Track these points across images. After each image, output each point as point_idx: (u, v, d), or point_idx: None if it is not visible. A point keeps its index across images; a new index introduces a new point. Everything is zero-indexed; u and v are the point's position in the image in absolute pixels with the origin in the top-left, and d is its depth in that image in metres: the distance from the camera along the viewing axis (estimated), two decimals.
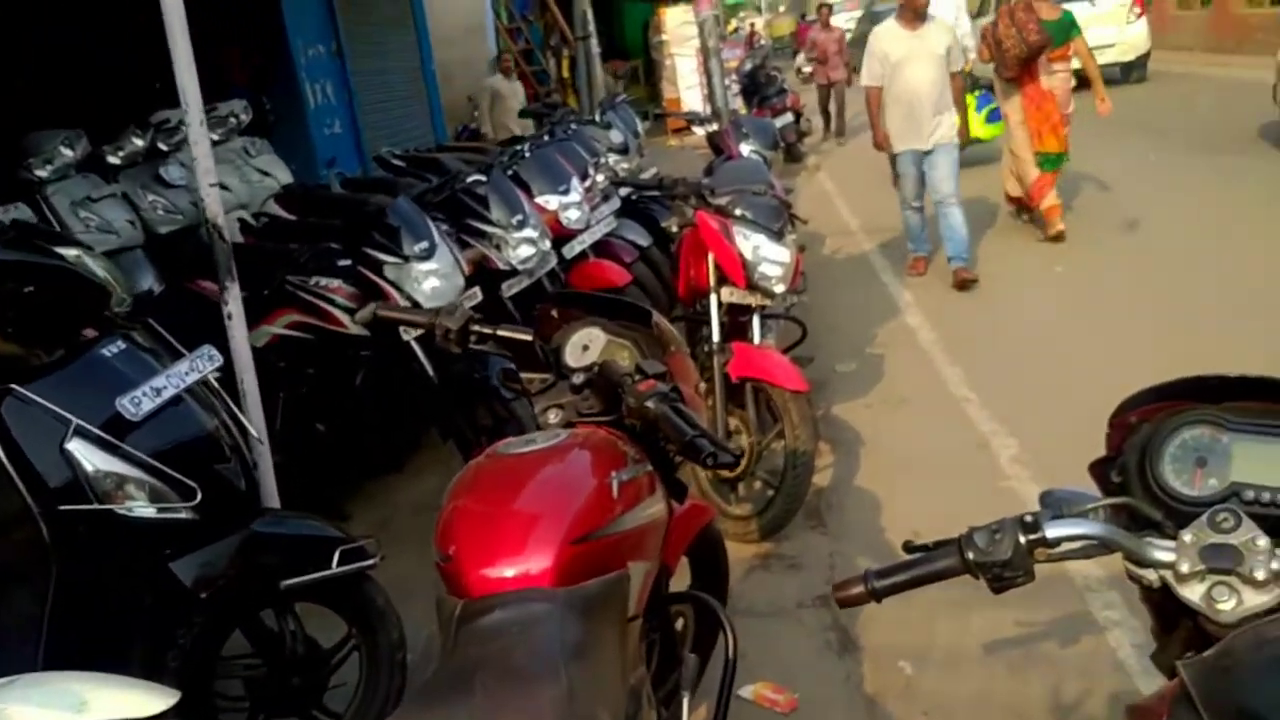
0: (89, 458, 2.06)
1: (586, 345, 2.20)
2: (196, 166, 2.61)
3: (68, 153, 5.33)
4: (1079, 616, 2.89)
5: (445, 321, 2.16)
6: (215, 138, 6.65)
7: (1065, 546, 1.22)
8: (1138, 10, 13.75)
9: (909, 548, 1.39)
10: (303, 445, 3.89)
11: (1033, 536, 1.20)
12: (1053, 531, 1.20)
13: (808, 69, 13.42)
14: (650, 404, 1.76)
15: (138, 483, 2.11)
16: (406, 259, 3.72)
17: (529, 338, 2.11)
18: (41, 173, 5.05)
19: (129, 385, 2.15)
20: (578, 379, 1.97)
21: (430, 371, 3.72)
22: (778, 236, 3.73)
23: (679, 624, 2.35)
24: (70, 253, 2.20)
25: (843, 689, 2.84)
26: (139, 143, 5.81)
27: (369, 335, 3.80)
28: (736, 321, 3.85)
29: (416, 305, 3.78)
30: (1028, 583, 1.24)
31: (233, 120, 6.72)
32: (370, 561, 2.43)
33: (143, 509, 2.11)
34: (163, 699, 1.66)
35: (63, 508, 2.05)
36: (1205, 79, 13.95)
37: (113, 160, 5.66)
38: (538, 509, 1.66)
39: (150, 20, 2.77)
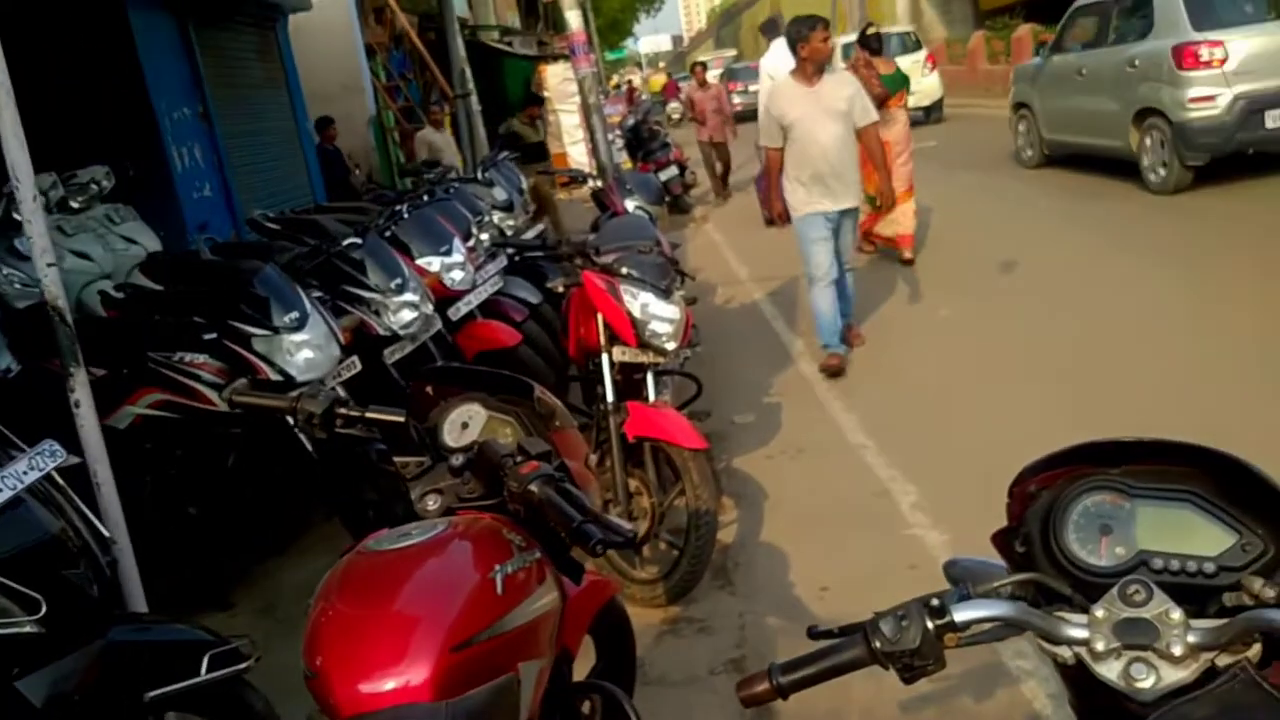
0: None
1: (466, 423, 2.06)
2: (33, 246, 2.40)
3: None
4: (992, 667, 2.85)
5: (308, 405, 1.98)
6: (75, 205, 6.31)
7: (975, 630, 1.16)
8: (930, 65, 18.13)
9: (814, 634, 1.31)
10: (175, 530, 3.63)
11: (940, 622, 1.13)
12: (961, 615, 1.14)
13: (675, 115, 13.77)
14: (534, 487, 1.63)
15: None
16: (276, 330, 3.53)
17: (401, 419, 1.95)
18: None
19: None
20: (457, 460, 1.83)
21: (309, 447, 3.51)
22: (665, 294, 3.67)
23: (586, 708, 2.22)
24: None
25: None
26: None
27: (240, 412, 3.57)
28: (630, 379, 3.76)
29: (290, 379, 3.58)
30: (938, 670, 1.17)
31: (94, 187, 6.36)
32: (244, 665, 2.22)
33: None
34: None
35: None
36: (985, 118, 16.60)
37: None
38: (414, 613, 1.50)
39: None
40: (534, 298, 5.37)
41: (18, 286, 5.38)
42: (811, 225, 5.52)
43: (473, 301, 4.81)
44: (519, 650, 1.58)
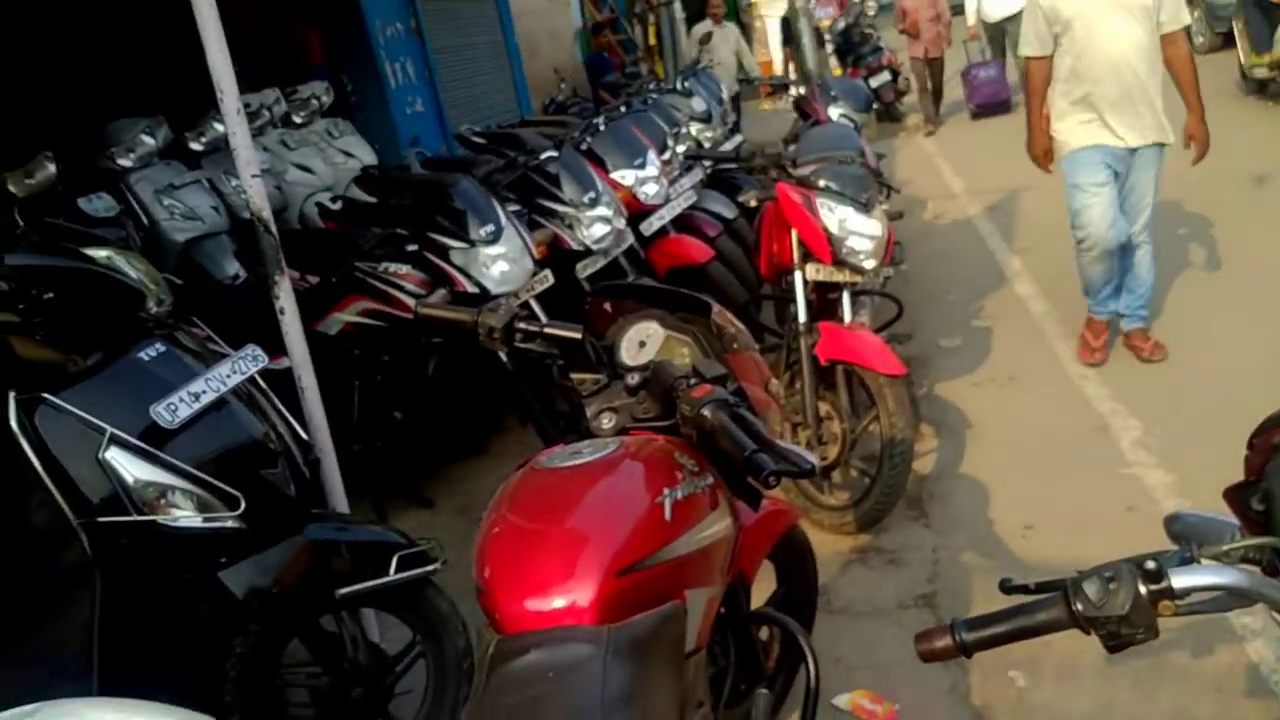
0: (128, 467, 1.96)
1: (643, 341, 2.01)
2: (237, 157, 2.48)
3: (149, 141, 5.32)
4: (1213, 624, 2.57)
5: (488, 320, 1.98)
6: (299, 120, 6.67)
7: (1196, 598, 1.01)
8: None
9: (1006, 588, 1.18)
10: (381, 433, 3.82)
11: (1156, 587, 0.99)
12: (1181, 581, 0.99)
13: (872, 11, 12.04)
14: (706, 412, 1.55)
15: (180, 492, 2.01)
16: (472, 243, 3.58)
17: (578, 336, 1.91)
18: (125, 161, 5.05)
19: (165, 390, 2.04)
20: (633, 379, 1.78)
21: (504, 357, 3.57)
22: (866, 208, 3.45)
23: (763, 634, 2.16)
24: (100, 254, 2.09)
25: (947, 699, 2.60)
26: (220, 128, 5.77)
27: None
28: (825, 299, 3.59)
29: (485, 291, 3.63)
30: (1149, 639, 1.02)
31: (314, 102, 6.69)
32: (430, 568, 2.29)
33: (187, 519, 2.01)
34: None
35: (103, 520, 1.95)
36: None
37: (195, 147, 5.64)
38: (581, 534, 1.47)
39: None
40: (729, 212, 5.22)
41: (244, 198, 5.75)
42: (1086, 166, 4.00)
43: (665, 216, 4.72)
44: (687, 577, 1.53)
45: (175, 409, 2.01)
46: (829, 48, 11.41)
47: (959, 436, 3.94)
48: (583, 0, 12.74)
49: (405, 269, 3.72)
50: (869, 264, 3.42)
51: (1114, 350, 4.37)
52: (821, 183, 3.44)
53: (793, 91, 6.18)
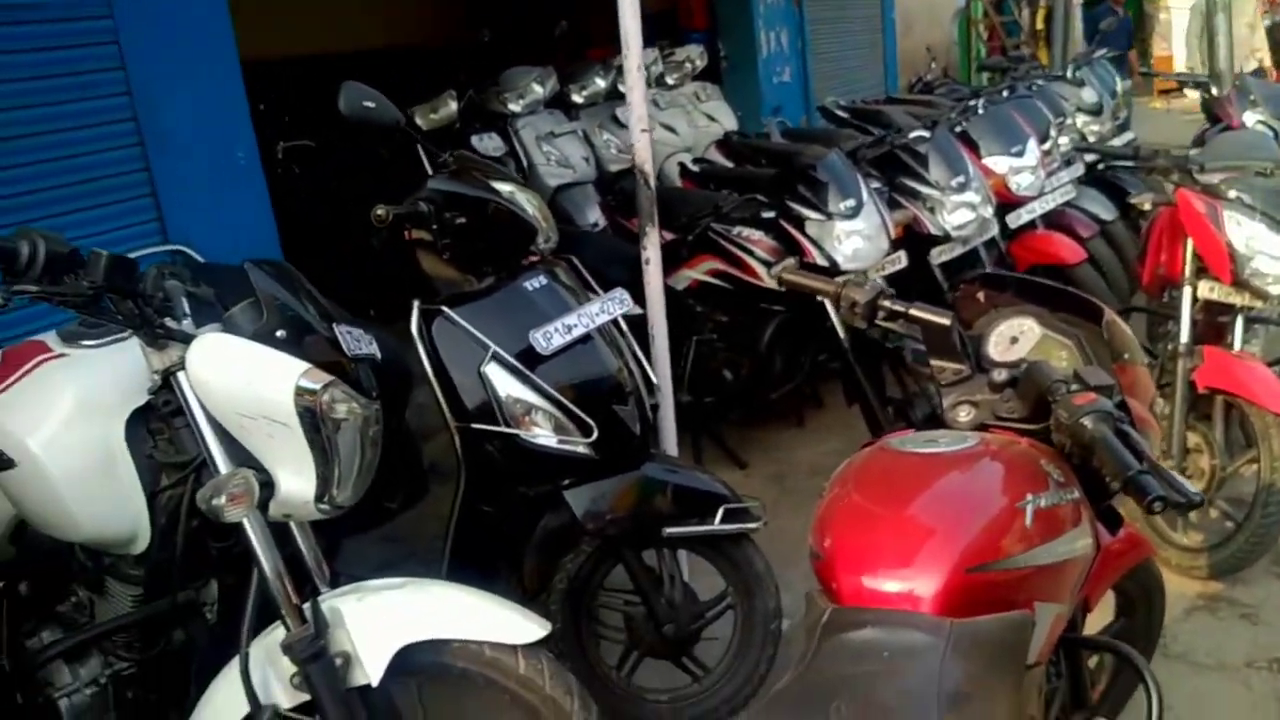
0: (502, 383, 2.16)
1: (1016, 338, 1.89)
2: (630, 112, 2.63)
3: (538, 89, 5.76)
4: None
5: (852, 293, 1.94)
6: (671, 81, 6.94)
7: None
8: None
9: None
10: (710, 390, 3.93)
11: None
12: None
13: None
14: (1087, 422, 1.44)
15: (543, 412, 2.19)
16: (830, 216, 3.57)
17: (946, 321, 1.83)
18: (514, 106, 5.50)
19: (544, 319, 2.22)
20: (999, 375, 1.69)
21: (842, 334, 3.55)
22: None
23: (1091, 663, 2.01)
24: (505, 188, 2.29)
25: None
26: (600, 83, 6.14)
27: (784, 290, 3.71)
28: (1213, 322, 3.25)
29: (834, 265, 3.61)
30: None
31: (688, 65, 6.89)
32: (754, 525, 2.35)
33: (545, 438, 2.19)
34: (538, 629, 1.69)
35: (475, 426, 2.16)
36: None
37: (576, 99, 6.04)
38: (933, 522, 1.43)
39: None
40: (1108, 214, 4.83)
41: (614, 151, 6.09)
42: None
43: (1037, 210, 4.44)
44: (1038, 589, 1.45)
45: (550, 337, 2.18)
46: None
47: None
48: None
49: (759, 235, 3.79)
50: (1276, 289, 3.04)
51: None
52: (1232, 193, 3.10)
53: (1190, 92, 5.55)
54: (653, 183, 2.66)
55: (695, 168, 5.00)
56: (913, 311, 1.89)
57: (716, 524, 2.30)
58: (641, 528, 2.32)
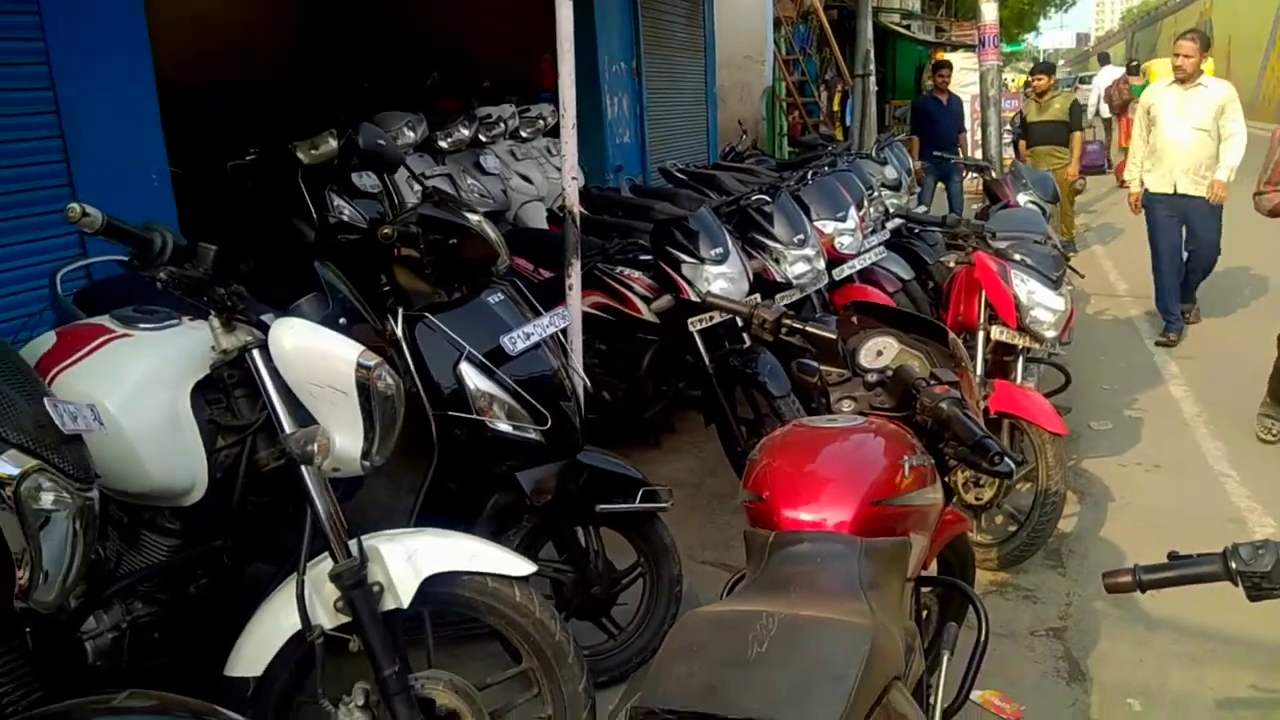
0: (473, 379, 2.57)
1: (880, 351, 2.50)
2: (564, 161, 3.12)
3: (409, 134, 6.14)
4: None
5: (763, 313, 2.53)
6: (524, 135, 7.44)
7: None
8: None
9: (1173, 556, 1.62)
10: (590, 409, 4.39)
11: None
12: None
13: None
14: (944, 405, 2.04)
15: (503, 404, 2.60)
16: (702, 260, 4.13)
17: (833, 336, 2.43)
18: None
19: (505, 329, 2.65)
20: (872, 378, 2.28)
21: (707, 362, 4.10)
22: (1054, 285, 3.89)
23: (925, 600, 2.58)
24: (474, 218, 2.71)
25: (1067, 712, 2.98)
26: (465, 132, 6.59)
27: (659, 323, 4.27)
28: (1000, 360, 4.03)
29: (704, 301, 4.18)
30: None
31: (541, 121, 7.45)
32: (665, 504, 2.84)
33: (504, 425, 2.60)
34: (529, 565, 2.11)
35: (450, 414, 2.56)
36: None
37: (442, 145, 6.45)
38: (843, 471, 1.97)
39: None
40: (906, 274, 5.68)
41: (477, 196, 6.52)
42: None
43: (855, 265, 5.21)
44: (912, 523, 2.01)
45: (515, 342, 2.61)
46: (1008, 138, 11.75)
47: (1101, 507, 4.30)
48: (776, 61, 13.41)
49: (638, 274, 4.32)
50: (1049, 333, 3.84)
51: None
52: (1016, 256, 3.90)
53: (984, 175, 6.59)
54: (578, 221, 3.15)
55: (560, 214, 5.49)
56: (808, 328, 2.48)
57: (637, 502, 2.79)
58: (577, 504, 2.77)
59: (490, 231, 2.71)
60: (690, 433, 5.10)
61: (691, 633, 1.43)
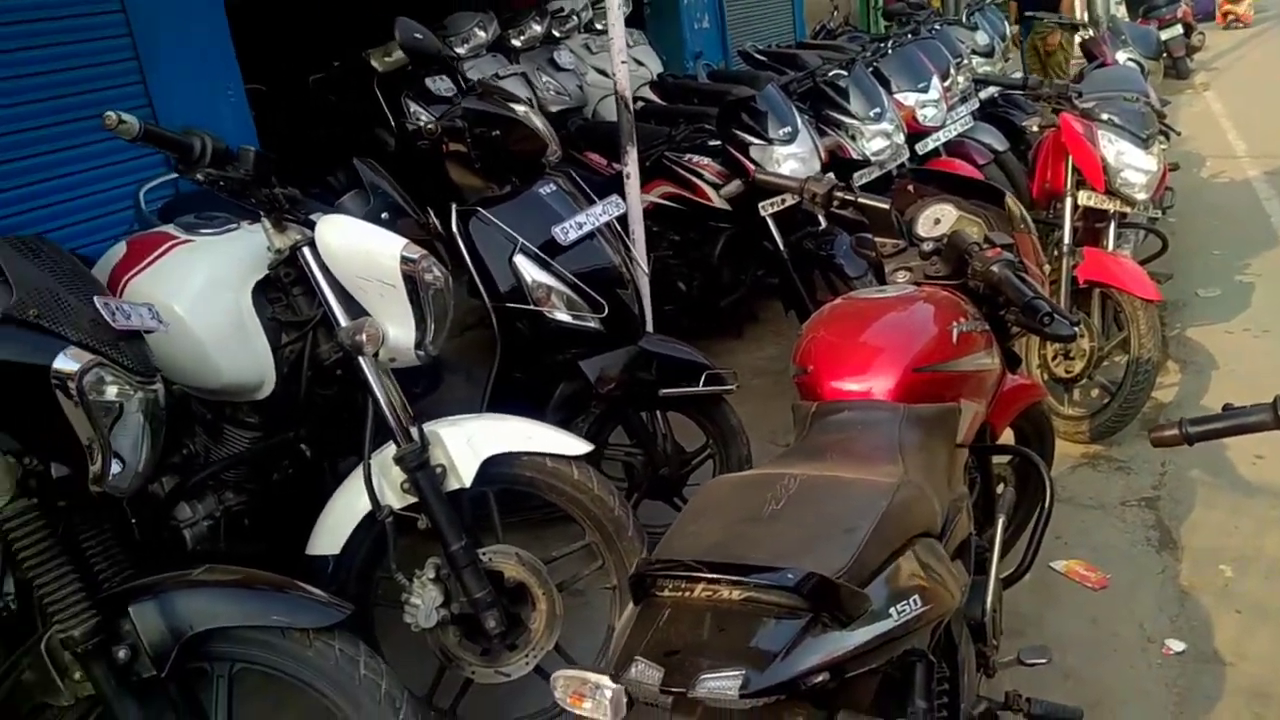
0: (529, 270, 2.61)
1: (938, 219, 2.42)
2: (611, 46, 3.07)
3: (481, 34, 6.10)
4: None
5: (814, 187, 2.47)
6: (600, 27, 7.31)
7: None
8: None
9: (1227, 408, 1.55)
10: (667, 300, 4.41)
11: None
12: None
13: None
14: (995, 268, 1.98)
15: (561, 294, 2.64)
16: (770, 141, 4.05)
17: (886, 206, 2.36)
18: (460, 50, 5.82)
19: (558, 219, 2.67)
20: (927, 246, 2.22)
21: (781, 246, 4.05)
22: (1144, 144, 3.67)
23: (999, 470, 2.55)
24: (520, 109, 2.71)
25: (1156, 579, 2.92)
26: (537, 29, 6.52)
27: (730, 209, 4.21)
28: (1091, 228, 3.85)
29: None
30: None
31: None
32: (730, 386, 2.86)
33: (563, 315, 2.64)
34: (585, 445, 2.17)
35: (509, 305, 2.61)
36: None
37: (515, 43, 6.40)
38: (887, 340, 1.95)
39: None
40: (1000, 145, 5.44)
41: (552, 94, 6.49)
42: None
43: (940, 138, 5.02)
44: (963, 390, 1.98)
45: (567, 232, 2.64)
46: None
47: (1204, 374, 4.12)
48: None
49: (706, 160, 4.26)
50: (1140, 196, 3.65)
51: None
52: (1104, 115, 3.68)
53: (1080, 34, 6.21)
54: (632, 108, 3.11)
55: (636, 105, 5.42)
56: (861, 199, 2.42)
57: (701, 386, 2.81)
58: (641, 390, 2.81)
59: (537, 121, 2.70)
60: (774, 321, 5.05)
61: (712, 495, 1.46)
